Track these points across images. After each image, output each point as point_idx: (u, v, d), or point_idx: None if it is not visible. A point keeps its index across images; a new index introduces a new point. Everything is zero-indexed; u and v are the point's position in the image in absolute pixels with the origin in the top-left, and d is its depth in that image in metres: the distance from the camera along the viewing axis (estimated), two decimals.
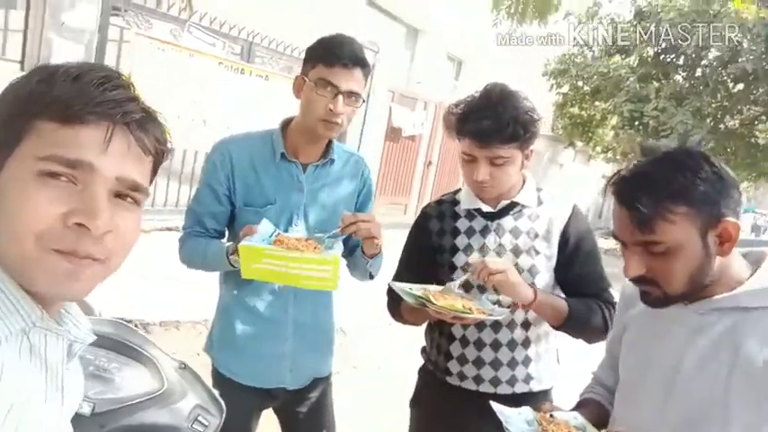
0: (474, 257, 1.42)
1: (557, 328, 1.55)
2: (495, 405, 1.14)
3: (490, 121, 1.45)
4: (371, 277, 1.69)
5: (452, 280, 1.58)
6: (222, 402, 1.20)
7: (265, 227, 1.48)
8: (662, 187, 1.00)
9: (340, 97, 1.52)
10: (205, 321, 3.84)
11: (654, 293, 1.08)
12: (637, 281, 1.09)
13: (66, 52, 4.53)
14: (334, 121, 1.54)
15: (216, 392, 1.20)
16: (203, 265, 1.65)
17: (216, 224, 1.66)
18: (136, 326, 3.09)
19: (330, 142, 1.68)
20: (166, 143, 0.70)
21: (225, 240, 1.65)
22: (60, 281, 0.61)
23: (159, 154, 0.70)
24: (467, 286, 1.56)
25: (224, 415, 1.19)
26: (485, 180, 1.50)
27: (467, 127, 1.49)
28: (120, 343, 1.13)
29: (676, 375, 1.09)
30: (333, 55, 1.52)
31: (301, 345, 1.69)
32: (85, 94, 0.62)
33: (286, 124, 1.67)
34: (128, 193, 0.66)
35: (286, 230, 1.61)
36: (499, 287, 1.45)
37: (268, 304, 1.62)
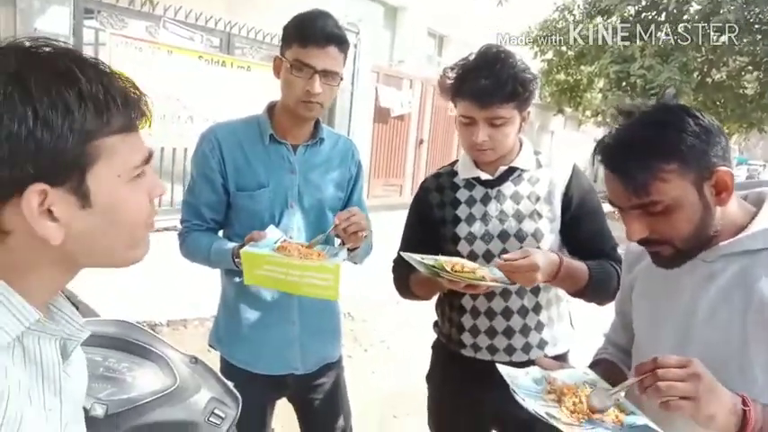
0: (499, 261, 1.36)
1: (574, 295, 1.52)
2: (501, 367, 1.11)
3: (489, 81, 1.42)
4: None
5: (457, 251, 1.57)
6: (237, 393, 1.18)
7: (272, 233, 1.47)
8: (649, 148, 1.00)
9: (316, 77, 1.49)
10: (213, 317, 3.83)
11: (665, 252, 1.07)
12: (644, 243, 1.08)
13: None
14: (314, 101, 1.52)
15: (230, 384, 1.18)
16: (206, 263, 1.63)
17: (214, 214, 1.64)
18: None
19: (318, 122, 1.66)
20: None
21: (228, 241, 1.62)
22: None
23: None
24: (472, 257, 1.55)
25: (240, 405, 1.18)
26: (484, 142, 1.48)
27: (465, 88, 1.47)
28: (127, 342, 1.10)
29: (691, 325, 1.08)
30: (306, 34, 1.48)
31: (309, 329, 1.67)
32: (133, 103, 0.66)
33: (271, 107, 1.65)
34: None
35: (282, 213, 1.61)
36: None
37: (273, 290, 1.60)
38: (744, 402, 0.91)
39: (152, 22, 5.56)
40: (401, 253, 1.49)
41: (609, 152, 1.06)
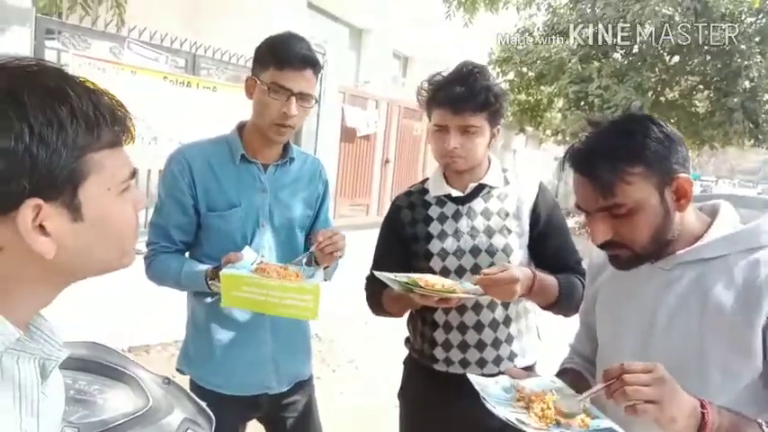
0: (477, 276, 1.40)
1: (545, 308, 1.56)
2: (471, 377, 1.14)
3: (463, 89, 1.50)
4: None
5: (430, 267, 1.59)
6: (211, 413, 1.17)
7: (248, 254, 1.47)
8: (616, 152, 1.06)
9: (293, 99, 1.51)
10: (176, 342, 3.74)
11: (623, 255, 1.12)
12: (605, 246, 1.13)
13: None
14: (288, 124, 1.53)
15: (203, 404, 1.17)
16: (176, 286, 1.61)
17: (184, 236, 1.62)
18: None
19: (287, 142, 1.68)
20: None
21: (199, 263, 1.60)
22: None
23: None
24: (444, 272, 1.57)
25: (213, 425, 1.16)
26: (455, 149, 1.52)
27: (439, 95, 1.53)
28: (98, 364, 1.09)
29: (651, 332, 1.13)
30: (283, 58, 1.50)
31: (282, 347, 1.67)
32: (120, 120, 0.69)
33: (241, 127, 1.65)
34: None
35: (254, 232, 1.61)
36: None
37: (244, 310, 1.59)
38: (702, 405, 0.96)
39: (116, 42, 5.49)
40: (374, 272, 1.51)
41: (578, 156, 1.11)
